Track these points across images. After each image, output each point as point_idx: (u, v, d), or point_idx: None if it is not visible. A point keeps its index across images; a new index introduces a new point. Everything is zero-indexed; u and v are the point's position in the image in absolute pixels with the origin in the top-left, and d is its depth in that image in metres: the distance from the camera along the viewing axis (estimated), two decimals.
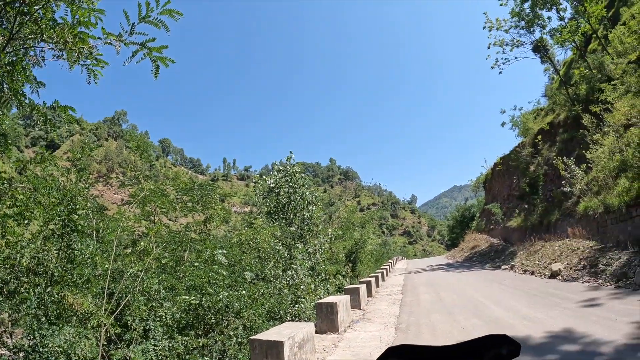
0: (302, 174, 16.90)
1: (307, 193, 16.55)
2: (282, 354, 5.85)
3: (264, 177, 16.99)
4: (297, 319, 11.09)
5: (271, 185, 16.27)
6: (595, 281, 11.91)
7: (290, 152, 17.18)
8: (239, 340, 7.74)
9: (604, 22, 25.12)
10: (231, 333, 7.67)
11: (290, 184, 16.25)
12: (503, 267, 20.40)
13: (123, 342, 6.45)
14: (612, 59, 19.87)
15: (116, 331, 6.28)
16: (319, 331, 9.59)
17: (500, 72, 28.25)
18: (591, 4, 23.24)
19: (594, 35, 24.59)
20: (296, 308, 11.43)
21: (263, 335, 6.22)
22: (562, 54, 32.82)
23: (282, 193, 16.13)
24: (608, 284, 11.27)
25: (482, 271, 21.47)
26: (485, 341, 1.07)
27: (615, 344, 6.20)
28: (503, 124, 31.79)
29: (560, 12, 25.41)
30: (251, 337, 6.23)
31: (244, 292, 8.47)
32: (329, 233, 17.55)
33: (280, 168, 16.71)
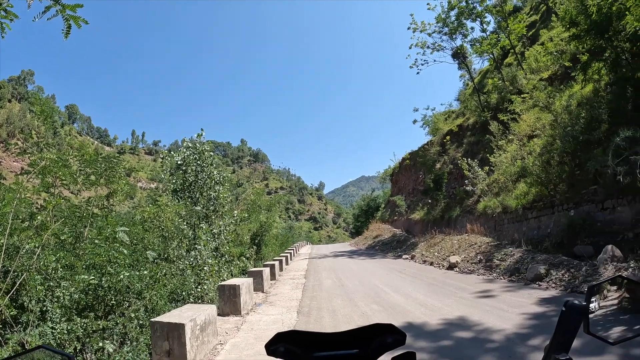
0: (212, 153, 16.27)
1: (215, 172, 15.96)
2: (183, 336, 5.69)
3: (172, 153, 16.15)
4: (200, 301, 10.72)
5: (179, 162, 15.47)
6: (490, 274, 12.51)
7: (201, 130, 16.43)
8: (141, 322, 7.35)
9: (523, 40, 26.73)
10: (132, 315, 7.25)
11: (199, 162, 15.55)
12: (404, 256, 21.00)
13: (20, 325, 5.90)
14: (525, 74, 21.13)
15: (11, 313, 5.73)
16: (221, 314, 9.39)
17: (418, 72, 29.11)
18: (514, 22, 24.54)
19: (512, 50, 26.08)
20: (199, 290, 11.06)
21: (164, 317, 6.02)
22: (479, 63, 34.54)
23: (189, 171, 15.40)
24: (502, 277, 11.84)
25: (384, 259, 21.96)
26: (372, 329, 1.07)
27: (506, 333, 6.44)
28: (415, 122, 32.94)
29: (484, 25, 26.73)
30: (152, 319, 6.02)
31: (145, 272, 8.06)
32: (235, 214, 17.09)
33: (190, 145, 15.91)
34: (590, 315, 1.19)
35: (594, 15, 12.05)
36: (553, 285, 9.69)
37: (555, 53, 18.77)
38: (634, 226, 10.42)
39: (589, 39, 12.76)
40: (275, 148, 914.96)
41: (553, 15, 21.27)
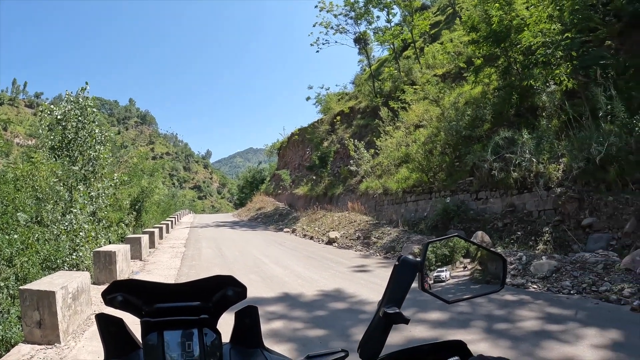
0: (95, 110, 14.42)
1: (96, 131, 14.24)
2: (54, 305, 5.12)
3: (53, 106, 13.98)
4: (75, 269, 9.45)
5: (58, 117, 13.46)
6: (367, 251, 12.71)
7: (86, 83, 14.45)
8: (11, 292, 6.47)
9: (424, 37, 27.40)
10: (2, 284, 6.36)
11: (80, 118, 13.69)
12: (285, 230, 20.77)
13: None
14: (421, 68, 21.72)
15: None
16: (96, 282, 8.63)
17: (317, 51, 28.68)
18: (419, 17, 24.99)
19: (412, 44, 26.67)
20: (74, 257, 9.85)
21: (34, 285, 5.38)
22: (379, 52, 35.14)
23: (69, 127, 13.54)
24: (378, 254, 12.07)
25: (265, 232, 21.62)
26: (214, 281, 1.04)
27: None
28: (308, 99, 32.68)
29: (390, 16, 26.87)
30: (21, 287, 5.39)
31: (16, 236, 7.18)
32: (115, 177, 15.42)
33: (72, 99, 13.91)
34: (442, 284, 1.19)
35: (494, 25, 12.55)
36: None
37: (452, 53, 19.42)
38: (503, 217, 11.10)
39: (485, 46, 13.33)
40: (164, 112, 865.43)
41: (457, 19, 22.03)
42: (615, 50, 12.00)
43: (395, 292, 1.07)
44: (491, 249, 1.29)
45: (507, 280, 7.50)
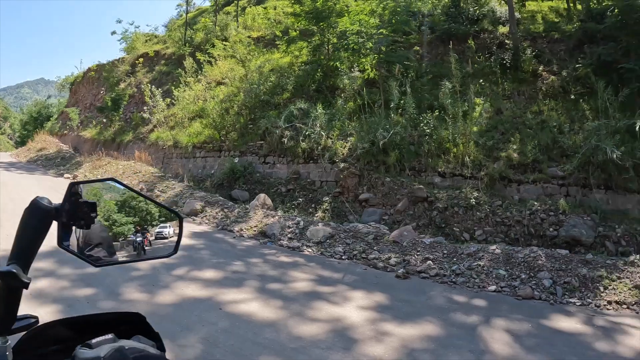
0: None
1: None
2: None
3: None
4: None
5: None
6: None
7: None
8: None
9: None
10: None
11: None
12: (66, 175, 16.93)
13: None
14: (238, 27, 19.73)
15: None
16: None
17: None
18: None
19: (236, 2, 24.12)
20: None
21: None
22: (201, 1, 31.48)
23: None
24: None
25: (44, 176, 17.55)
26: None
27: (153, 262, 5.55)
28: (114, 33, 27.26)
29: None
30: None
31: None
32: None
33: None
34: (165, 241, 1.04)
35: (319, 3, 11.97)
36: (207, 221, 9.08)
37: (272, 20, 18.29)
38: (287, 182, 10.55)
39: (305, 21, 12.77)
40: None
41: None
42: (420, 55, 12.76)
43: (22, 246, 0.79)
44: (167, 205, 0.63)
45: (284, 242, 6.50)
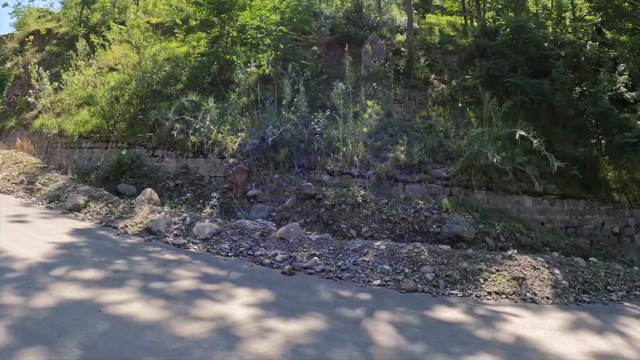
0: None
1: None
2: None
3: None
4: None
5: None
6: (30, 198, 10.09)
7: None
8: None
9: None
10: None
11: None
12: None
13: None
14: (137, 11, 18.67)
15: None
16: None
17: None
18: None
19: None
20: None
21: None
22: None
23: None
24: (41, 203, 9.69)
25: None
26: None
27: (30, 262, 5.50)
28: (5, 5, 24.53)
29: None
30: None
31: None
32: None
33: None
34: None
35: None
36: (90, 217, 8.50)
37: (174, 7, 17.25)
38: (176, 177, 10.12)
39: (206, 11, 12.29)
40: None
41: None
42: (318, 56, 12.81)
43: None
44: None
45: (169, 239, 6.21)
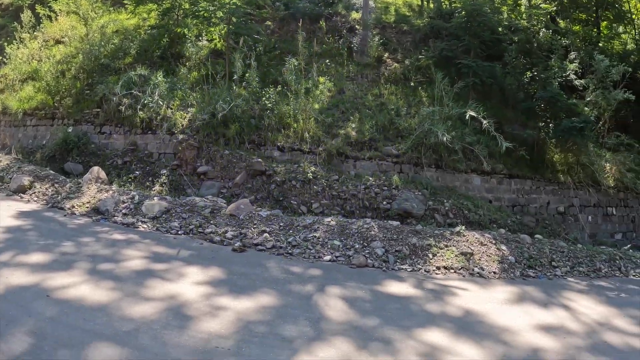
0: None
1: None
2: None
3: None
4: None
5: None
6: None
7: None
8: None
9: None
10: None
11: None
12: None
13: None
14: None
15: None
16: None
17: None
18: None
19: None
20: None
21: None
22: None
23: None
24: None
25: None
26: None
27: None
28: None
29: None
30: None
31: None
32: None
33: None
34: None
35: None
36: (36, 198, 8.22)
37: None
38: (124, 154, 9.80)
39: None
40: None
41: None
42: (271, 31, 12.60)
43: None
44: None
45: (118, 218, 6.21)
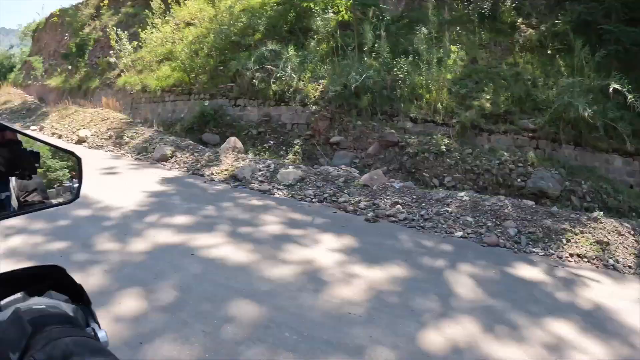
0: None
1: None
2: None
3: None
4: None
5: None
6: (119, 151, 10.56)
7: None
8: None
9: None
10: None
11: None
12: (32, 127, 15.75)
13: None
14: None
15: None
16: None
17: None
18: None
19: None
20: None
21: None
22: None
23: None
24: (129, 155, 10.10)
25: None
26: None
27: (124, 210, 5.64)
28: None
29: None
30: None
31: None
32: None
33: None
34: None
35: None
36: (177, 166, 8.74)
37: None
38: (258, 125, 10.16)
39: None
40: None
41: None
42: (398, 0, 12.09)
43: None
44: (63, 147, 0.90)
45: (255, 185, 6.11)
